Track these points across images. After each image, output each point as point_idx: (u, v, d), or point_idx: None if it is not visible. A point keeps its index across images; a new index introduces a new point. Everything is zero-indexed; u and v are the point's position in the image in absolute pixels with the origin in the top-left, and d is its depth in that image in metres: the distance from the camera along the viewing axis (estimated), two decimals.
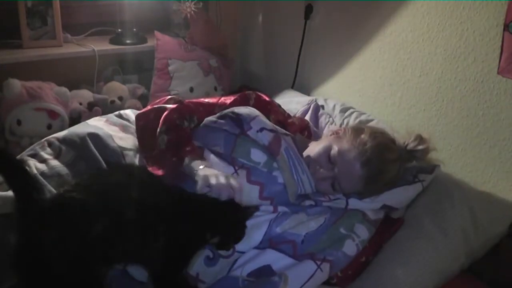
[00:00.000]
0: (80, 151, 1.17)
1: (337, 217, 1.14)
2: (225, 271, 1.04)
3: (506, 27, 1.21)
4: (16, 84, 1.66)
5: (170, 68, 2.00)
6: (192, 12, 2.00)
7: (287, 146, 1.16)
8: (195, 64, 2.05)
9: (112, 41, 2.05)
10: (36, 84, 1.72)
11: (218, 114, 1.22)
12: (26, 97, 1.66)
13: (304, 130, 1.39)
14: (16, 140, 1.68)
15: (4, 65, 1.76)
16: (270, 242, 1.08)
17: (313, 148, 1.23)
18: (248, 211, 1.05)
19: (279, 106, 1.38)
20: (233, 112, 1.19)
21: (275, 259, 1.05)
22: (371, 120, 1.54)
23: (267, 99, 1.35)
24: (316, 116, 1.59)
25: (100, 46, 1.98)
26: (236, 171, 1.12)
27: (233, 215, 1.00)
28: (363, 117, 1.57)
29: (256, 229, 1.08)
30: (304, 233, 1.09)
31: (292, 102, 1.79)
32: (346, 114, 1.60)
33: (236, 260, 1.05)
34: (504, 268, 1.22)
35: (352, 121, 1.56)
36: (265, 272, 1.04)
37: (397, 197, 1.21)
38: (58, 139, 1.21)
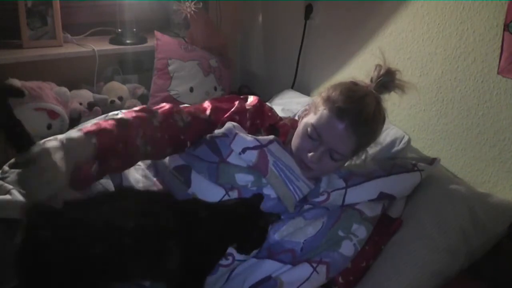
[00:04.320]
0: None
1: (334, 220, 1.12)
2: (224, 279, 1.03)
3: (506, 27, 1.21)
4: (16, 84, 1.66)
5: (170, 68, 2.00)
6: (192, 12, 2.00)
7: (275, 160, 1.12)
8: (195, 64, 2.05)
9: (112, 41, 2.05)
10: (36, 84, 1.72)
11: (198, 141, 1.18)
12: (26, 97, 1.66)
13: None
14: None
15: (4, 65, 1.76)
16: (268, 252, 1.06)
17: (294, 139, 1.19)
18: (270, 218, 1.04)
19: (271, 108, 1.35)
20: (210, 137, 1.15)
21: (275, 269, 1.04)
22: None
23: (257, 106, 1.29)
24: None
25: (100, 46, 1.98)
26: (227, 192, 1.10)
27: (254, 222, 0.99)
28: None
29: None
30: (303, 240, 1.08)
31: (292, 103, 1.79)
32: None
33: (234, 268, 1.04)
34: (504, 268, 1.22)
35: None
36: (266, 282, 1.03)
37: (394, 184, 1.19)
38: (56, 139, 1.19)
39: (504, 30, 1.22)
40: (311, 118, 1.14)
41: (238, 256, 1.04)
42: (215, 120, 1.21)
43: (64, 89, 1.77)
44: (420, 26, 1.47)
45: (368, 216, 1.15)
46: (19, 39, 1.84)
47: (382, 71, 1.18)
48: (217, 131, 1.16)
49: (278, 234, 1.08)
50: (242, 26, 2.43)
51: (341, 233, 1.10)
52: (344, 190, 1.16)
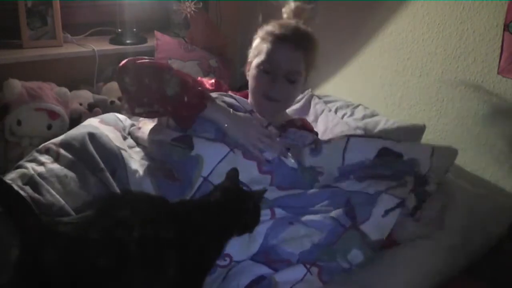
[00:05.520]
0: (78, 153, 1.16)
1: (334, 239, 1.05)
2: (220, 279, 1.01)
3: (506, 27, 1.21)
4: (16, 84, 1.66)
5: None
6: (192, 12, 2.00)
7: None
8: (195, 64, 2.05)
9: (112, 41, 2.05)
10: (36, 84, 1.71)
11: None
12: (26, 97, 1.66)
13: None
14: (16, 141, 1.67)
15: (4, 65, 1.76)
16: (265, 257, 1.03)
17: (251, 84, 1.35)
18: (258, 193, 1.03)
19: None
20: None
21: (270, 272, 1.02)
22: (376, 115, 1.55)
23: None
24: (308, 103, 1.67)
25: (100, 46, 1.98)
26: (232, 149, 1.11)
27: (244, 207, 0.98)
28: (367, 112, 1.58)
29: (254, 239, 1.05)
30: (298, 252, 1.04)
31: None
32: (352, 107, 1.61)
33: (231, 268, 1.02)
34: (504, 268, 1.22)
35: (358, 112, 1.57)
36: (261, 282, 1.00)
37: (401, 145, 1.17)
38: (55, 144, 1.19)
39: (504, 30, 1.22)
40: (258, 59, 1.29)
41: (236, 257, 1.03)
42: None
43: (64, 90, 1.77)
44: (420, 26, 1.47)
45: (371, 240, 1.06)
46: (19, 39, 1.84)
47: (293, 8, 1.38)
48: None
49: (276, 240, 1.05)
50: (242, 26, 2.43)
51: (337, 256, 1.05)
52: (345, 140, 1.17)
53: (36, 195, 1.03)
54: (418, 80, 1.50)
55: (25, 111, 1.66)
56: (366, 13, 1.67)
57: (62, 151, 1.17)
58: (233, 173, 1.04)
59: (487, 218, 1.20)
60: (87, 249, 0.77)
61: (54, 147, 1.18)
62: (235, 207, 0.97)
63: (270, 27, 1.31)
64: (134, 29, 2.06)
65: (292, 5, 1.38)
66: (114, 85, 1.99)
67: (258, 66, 1.29)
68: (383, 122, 1.47)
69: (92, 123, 1.27)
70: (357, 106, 1.62)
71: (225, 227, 0.96)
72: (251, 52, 1.36)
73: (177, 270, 0.84)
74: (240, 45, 2.47)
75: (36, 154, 1.17)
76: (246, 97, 1.40)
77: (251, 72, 1.34)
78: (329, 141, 1.20)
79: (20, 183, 1.05)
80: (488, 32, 1.28)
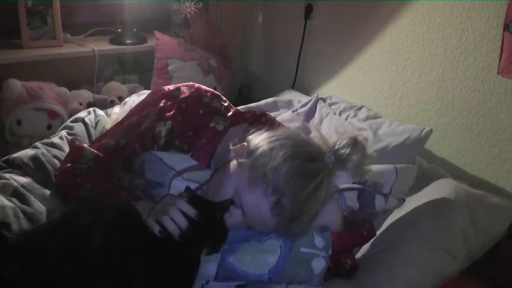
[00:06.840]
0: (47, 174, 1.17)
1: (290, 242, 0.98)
2: None
3: (506, 27, 1.21)
4: (16, 84, 1.66)
5: (170, 68, 2.00)
6: (192, 12, 2.00)
7: None
8: (195, 64, 2.05)
9: (112, 41, 2.06)
10: (36, 84, 1.72)
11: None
12: (26, 97, 1.67)
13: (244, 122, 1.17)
14: (16, 141, 1.68)
15: (4, 65, 1.76)
16: (231, 279, 0.97)
17: (214, 185, 0.99)
18: (224, 205, 0.92)
19: (208, 103, 1.24)
20: (144, 186, 1.06)
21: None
22: (379, 117, 1.55)
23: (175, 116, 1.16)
24: (314, 107, 1.63)
25: (100, 46, 1.99)
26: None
27: (211, 221, 0.91)
28: (371, 113, 1.57)
29: (209, 261, 0.96)
30: (267, 270, 0.98)
31: (294, 101, 1.80)
32: (355, 109, 1.61)
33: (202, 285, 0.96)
34: (504, 268, 1.22)
35: (362, 114, 1.57)
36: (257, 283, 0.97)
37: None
38: (23, 161, 1.17)
39: (504, 30, 1.22)
40: (242, 182, 0.92)
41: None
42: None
43: (64, 89, 1.77)
44: (420, 26, 1.47)
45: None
46: (19, 39, 1.84)
47: (356, 156, 0.94)
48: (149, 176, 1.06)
49: (233, 257, 0.98)
50: (242, 26, 2.43)
51: (304, 250, 0.98)
52: None
53: (24, 206, 1.03)
54: (418, 80, 1.50)
55: (25, 111, 1.66)
56: (366, 13, 1.67)
57: (33, 168, 1.17)
58: (190, 191, 0.95)
59: (487, 218, 1.20)
60: (49, 260, 0.76)
61: (21, 164, 1.17)
62: (205, 219, 0.90)
63: (285, 170, 0.88)
64: (134, 29, 2.07)
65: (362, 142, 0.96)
66: (113, 84, 2.00)
67: (233, 187, 0.95)
68: (387, 124, 1.46)
69: (60, 141, 1.28)
70: (360, 108, 1.62)
71: (196, 240, 0.90)
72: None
73: (147, 283, 0.81)
74: (240, 45, 2.47)
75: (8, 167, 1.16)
76: (237, 119, 1.20)
77: (234, 165, 0.97)
78: None
79: (5, 195, 1.05)
80: (488, 32, 1.28)
